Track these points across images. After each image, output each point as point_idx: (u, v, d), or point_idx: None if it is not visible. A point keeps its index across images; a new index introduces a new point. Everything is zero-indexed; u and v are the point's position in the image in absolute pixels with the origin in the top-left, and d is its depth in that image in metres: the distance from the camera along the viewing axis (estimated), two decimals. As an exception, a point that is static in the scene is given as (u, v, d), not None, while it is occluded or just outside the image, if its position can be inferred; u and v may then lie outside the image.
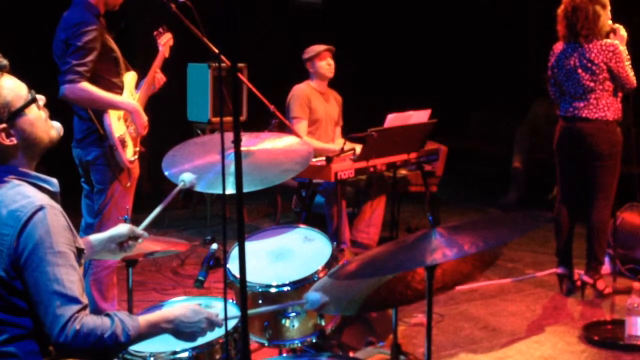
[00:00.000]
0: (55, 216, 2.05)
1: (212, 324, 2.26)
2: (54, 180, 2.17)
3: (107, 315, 2.07)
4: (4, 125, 2.08)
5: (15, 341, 2.04)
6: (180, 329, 2.19)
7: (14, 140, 2.10)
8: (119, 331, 2.03)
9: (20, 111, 2.11)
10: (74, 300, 2.00)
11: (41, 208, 2.03)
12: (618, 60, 4.62)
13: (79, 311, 1.99)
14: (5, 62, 2.13)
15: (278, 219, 6.64)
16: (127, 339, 2.05)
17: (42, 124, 2.17)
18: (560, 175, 4.99)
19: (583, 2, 4.64)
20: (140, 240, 2.58)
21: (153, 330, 2.15)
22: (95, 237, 2.53)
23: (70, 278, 2.01)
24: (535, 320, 4.59)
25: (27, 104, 2.13)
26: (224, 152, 2.40)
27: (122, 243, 2.54)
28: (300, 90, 5.66)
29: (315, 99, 5.68)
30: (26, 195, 2.06)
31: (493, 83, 9.19)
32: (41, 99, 2.19)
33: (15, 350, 2.04)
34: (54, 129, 2.22)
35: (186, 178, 2.80)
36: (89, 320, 2.01)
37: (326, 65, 5.67)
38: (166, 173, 2.93)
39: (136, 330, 2.07)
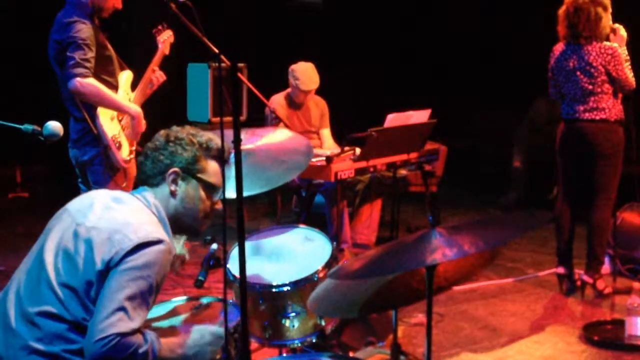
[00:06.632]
0: (168, 258, 2.21)
1: (214, 335, 2.35)
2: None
3: (141, 333, 2.16)
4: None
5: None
6: (189, 352, 2.29)
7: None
8: (150, 349, 2.14)
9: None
10: (133, 325, 2.10)
11: (166, 242, 2.19)
12: (617, 63, 4.61)
13: (127, 334, 2.08)
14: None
15: (278, 219, 6.63)
16: (154, 358, 2.17)
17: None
18: (561, 175, 4.99)
19: (585, 3, 4.63)
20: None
21: (169, 355, 2.25)
22: None
23: (141, 312, 2.13)
24: (535, 320, 4.59)
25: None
26: (224, 152, 2.40)
27: None
28: (278, 105, 5.60)
29: (290, 113, 5.67)
30: (160, 229, 2.25)
31: (493, 83, 9.17)
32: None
33: None
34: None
35: None
36: (129, 337, 2.11)
37: (302, 96, 5.65)
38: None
39: (159, 352, 2.19)
